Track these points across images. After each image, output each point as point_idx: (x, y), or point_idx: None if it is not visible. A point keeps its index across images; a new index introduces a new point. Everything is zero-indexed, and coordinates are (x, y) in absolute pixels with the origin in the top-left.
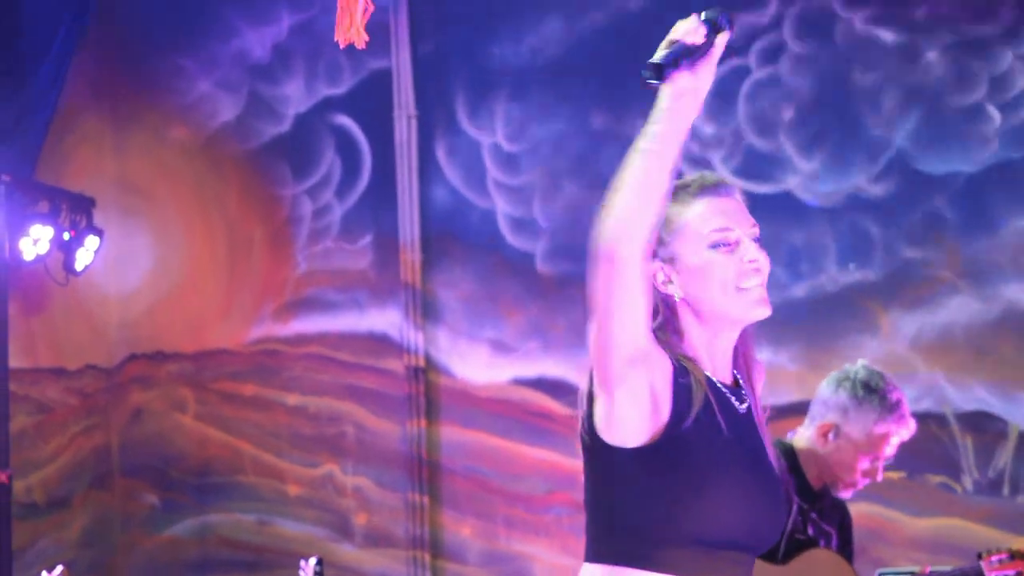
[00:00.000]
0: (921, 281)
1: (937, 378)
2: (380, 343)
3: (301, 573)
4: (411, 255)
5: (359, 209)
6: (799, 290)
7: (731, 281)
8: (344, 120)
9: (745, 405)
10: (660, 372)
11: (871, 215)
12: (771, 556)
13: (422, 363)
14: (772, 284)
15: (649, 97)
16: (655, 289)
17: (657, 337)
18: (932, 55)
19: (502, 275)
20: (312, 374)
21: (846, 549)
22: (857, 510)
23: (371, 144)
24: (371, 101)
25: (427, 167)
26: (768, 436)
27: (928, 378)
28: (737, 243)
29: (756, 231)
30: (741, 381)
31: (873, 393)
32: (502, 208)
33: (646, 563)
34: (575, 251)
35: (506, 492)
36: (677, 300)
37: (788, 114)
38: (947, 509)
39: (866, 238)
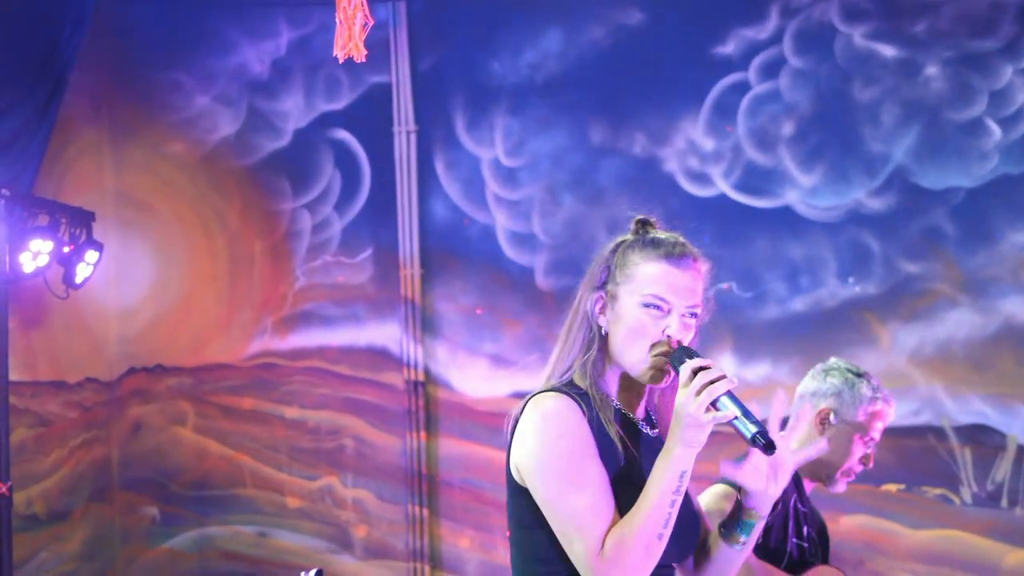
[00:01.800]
0: (920, 295)
1: (936, 391)
2: (379, 357)
3: None
4: (410, 269)
5: (358, 224)
6: (798, 304)
7: (645, 341)
8: (343, 135)
9: (656, 431)
10: None
11: (870, 229)
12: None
13: (421, 377)
14: (772, 297)
15: (646, 111)
16: (590, 317)
17: (584, 371)
18: (932, 70)
19: (501, 289)
20: (311, 388)
21: (826, 556)
22: (856, 522)
23: (370, 159)
24: (370, 116)
25: (426, 182)
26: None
27: (927, 391)
28: (667, 313)
29: (698, 309)
30: (654, 417)
31: (861, 376)
32: (502, 223)
33: None
34: (575, 265)
35: (504, 505)
36: (602, 333)
37: (788, 129)
38: (945, 521)
39: (865, 252)
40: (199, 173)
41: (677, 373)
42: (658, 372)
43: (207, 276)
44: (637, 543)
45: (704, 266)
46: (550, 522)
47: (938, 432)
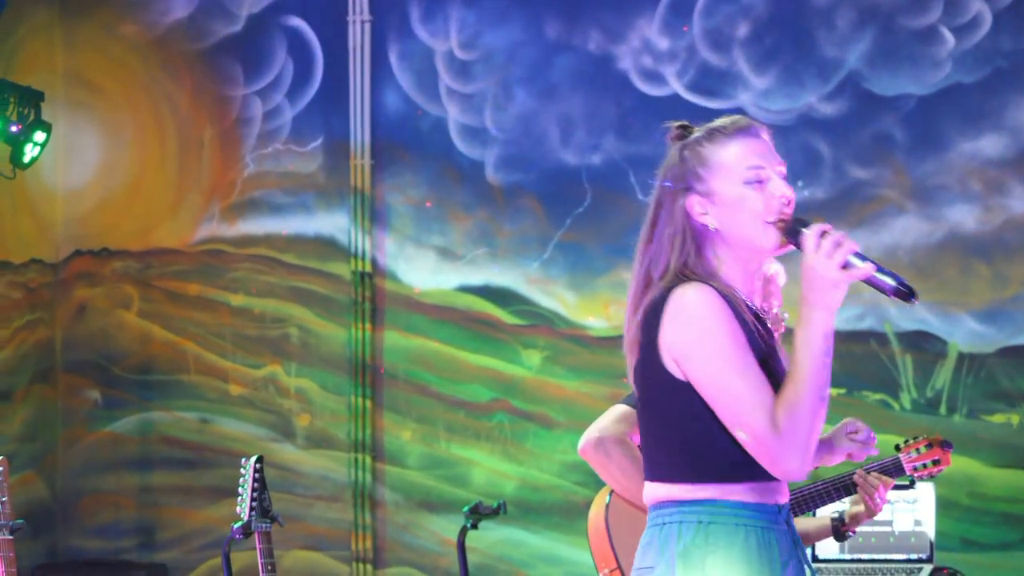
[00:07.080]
0: (868, 201)
1: (880, 297)
2: (327, 247)
3: (242, 472)
4: (361, 160)
5: (310, 112)
6: None
7: (761, 214)
8: (297, 22)
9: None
10: None
11: (821, 134)
12: None
13: (368, 268)
14: None
15: (602, 8)
16: (690, 220)
17: (692, 268)
18: None
19: (451, 182)
20: (257, 275)
21: None
22: None
23: (324, 47)
24: (325, 4)
25: (379, 72)
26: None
27: (871, 297)
28: (768, 180)
29: (783, 169)
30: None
31: None
32: (454, 115)
33: (732, 478)
34: (525, 160)
35: (448, 398)
36: (712, 230)
37: (743, 30)
38: (884, 426)
39: (815, 157)
40: (151, 56)
41: (793, 244)
42: (781, 236)
43: (156, 160)
44: (805, 408)
45: (767, 132)
46: (715, 406)
47: (880, 338)
